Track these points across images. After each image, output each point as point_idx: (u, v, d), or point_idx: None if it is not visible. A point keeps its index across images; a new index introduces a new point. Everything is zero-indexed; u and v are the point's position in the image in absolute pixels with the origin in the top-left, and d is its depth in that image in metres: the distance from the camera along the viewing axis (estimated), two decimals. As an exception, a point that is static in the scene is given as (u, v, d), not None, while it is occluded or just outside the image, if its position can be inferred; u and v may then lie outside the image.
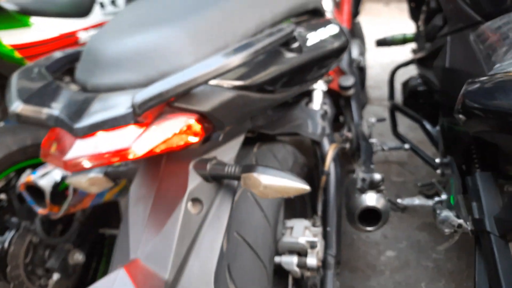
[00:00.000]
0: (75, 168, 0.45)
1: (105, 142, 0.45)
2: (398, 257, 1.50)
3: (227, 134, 0.66)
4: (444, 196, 1.24)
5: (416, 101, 1.51)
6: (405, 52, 2.43)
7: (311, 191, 1.14)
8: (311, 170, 1.15)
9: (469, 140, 1.16)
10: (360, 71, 1.53)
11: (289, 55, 0.63)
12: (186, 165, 0.59)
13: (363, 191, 0.98)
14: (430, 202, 1.25)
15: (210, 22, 0.56)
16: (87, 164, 0.45)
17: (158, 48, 0.52)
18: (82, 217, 1.22)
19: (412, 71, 1.88)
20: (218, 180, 0.62)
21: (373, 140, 1.36)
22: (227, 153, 0.66)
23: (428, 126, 1.31)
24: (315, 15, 0.84)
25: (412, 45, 1.76)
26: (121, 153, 0.44)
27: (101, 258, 1.36)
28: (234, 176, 0.58)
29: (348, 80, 1.24)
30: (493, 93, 0.62)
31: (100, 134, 0.46)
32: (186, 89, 0.44)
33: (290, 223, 0.97)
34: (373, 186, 0.96)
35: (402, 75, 2.08)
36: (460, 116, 0.72)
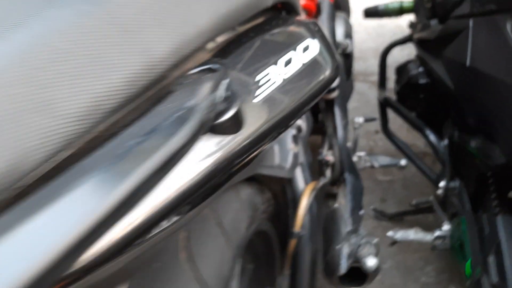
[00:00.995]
0: None
1: None
2: (382, 282, 1.27)
3: None
4: (446, 228, 0.98)
5: (414, 94, 1.19)
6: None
7: (279, 247, 0.84)
8: (279, 207, 0.84)
9: (487, 167, 0.87)
10: (346, 58, 1.16)
11: (217, 140, 0.29)
12: None
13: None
14: (428, 237, 0.99)
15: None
16: None
17: None
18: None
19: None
20: None
21: (360, 154, 1.06)
22: None
23: (432, 137, 1.01)
24: (282, 11, 0.48)
25: (410, 17, 1.41)
26: None
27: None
28: None
29: (332, 79, 0.90)
30: None
31: None
32: None
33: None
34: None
35: (395, 53, 1.74)
36: None
